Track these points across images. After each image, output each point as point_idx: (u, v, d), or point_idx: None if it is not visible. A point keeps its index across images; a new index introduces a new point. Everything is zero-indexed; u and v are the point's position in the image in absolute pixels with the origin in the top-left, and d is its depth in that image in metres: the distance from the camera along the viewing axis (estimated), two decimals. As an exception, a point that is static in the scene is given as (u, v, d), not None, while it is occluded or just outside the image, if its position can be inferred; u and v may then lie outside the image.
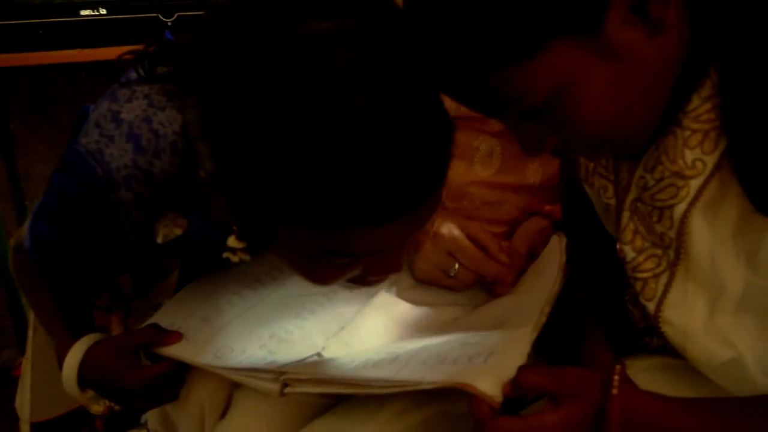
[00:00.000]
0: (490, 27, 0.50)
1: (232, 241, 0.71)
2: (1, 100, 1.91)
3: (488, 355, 0.60)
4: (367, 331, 0.77)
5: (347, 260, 0.58)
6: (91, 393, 0.80)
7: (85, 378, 0.77)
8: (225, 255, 0.72)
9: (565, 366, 0.59)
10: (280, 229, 0.57)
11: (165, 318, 0.79)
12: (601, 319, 0.73)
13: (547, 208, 0.90)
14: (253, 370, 0.68)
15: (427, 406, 0.69)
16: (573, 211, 0.80)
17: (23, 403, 0.95)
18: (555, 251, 0.78)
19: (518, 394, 0.58)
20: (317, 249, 0.56)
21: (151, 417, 0.86)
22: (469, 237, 0.84)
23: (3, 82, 1.90)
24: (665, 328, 0.63)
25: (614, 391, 0.54)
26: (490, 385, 0.56)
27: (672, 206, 0.60)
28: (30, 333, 0.98)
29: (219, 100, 0.53)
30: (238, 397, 0.75)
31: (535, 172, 0.91)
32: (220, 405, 0.77)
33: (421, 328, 0.78)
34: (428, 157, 0.53)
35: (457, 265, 0.83)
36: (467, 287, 0.84)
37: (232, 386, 0.76)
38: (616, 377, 0.55)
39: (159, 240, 0.72)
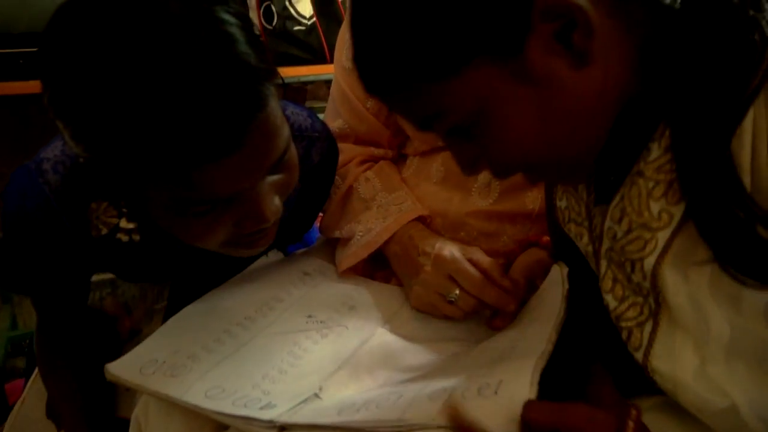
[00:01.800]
0: (411, 44, 0.52)
1: (123, 222, 0.75)
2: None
3: (497, 384, 0.58)
4: (366, 369, 0.74)
5: (205, 208, 0.64)
6: None
7: None
8: (117, 236, 0.76)
9: (576, 402, 0.55)
10: (143, 194, 0.63)
11: (150, 352, 0.74)
12: (604, 358, 0.70)
13: (545, 239, 0.88)
14: (247, 419, 0.64)
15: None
16: (561, 253, 0.79)
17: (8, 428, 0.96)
18: (556, 281, 0.76)
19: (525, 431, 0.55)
20: (175, 203, 0.63)
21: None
22: (470, 261, 0.82)
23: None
24: (655, 377, 0.61)
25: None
26: (501, 422, 0.53)
27: (641, 259, 0.58)
28: (31, 378, 0.99)
29: (58, 80, 0.58)
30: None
31: (535, 199, 0.89)
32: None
33: (422, 365, 0.75)
34: (239, 92, 0.58)
35: (457, 290, 0.80)
36: (466, 316, 0.82)
37: (218, 426, 0.71)
38: (630, 423, 0.52)
39: (94, 233, 0.76)
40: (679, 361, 0.59)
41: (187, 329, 0.79)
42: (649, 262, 0.57)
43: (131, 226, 0.75)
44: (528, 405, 0.55)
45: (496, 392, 0.57)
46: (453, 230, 0.92)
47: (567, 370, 0.69)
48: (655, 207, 0.56)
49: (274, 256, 0.97)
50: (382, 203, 0.94)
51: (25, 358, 1.98)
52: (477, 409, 0.55)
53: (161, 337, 0.78)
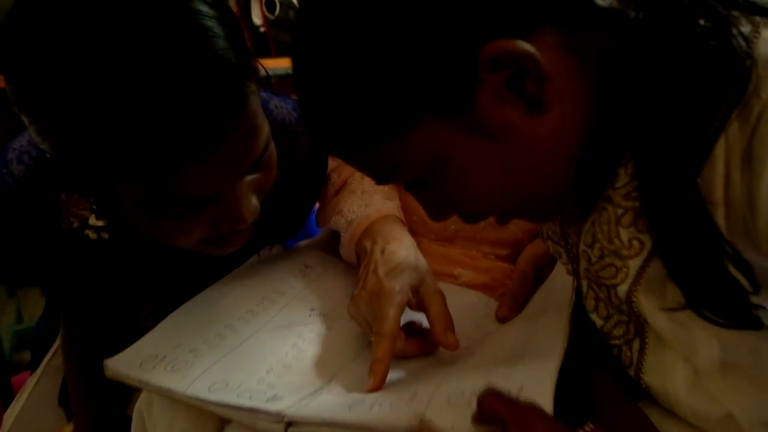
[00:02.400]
0: (355, 109, 0.50)
1: (92, 220, 0.73)
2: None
3: (519, 390, 0.56)
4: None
5: (180, 209, 0.62)
6: None
7: None
8: (86, 232, 0.73)
9: (531, 404, 0.53)
10: (115, 193, 0.61)
11: (150, 346, 0.73)
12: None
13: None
14: (253, 411, 0.62)
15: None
16: None
17: (11, 413, 0.94)
18: (564, 271, 0.74)
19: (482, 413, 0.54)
20: (148, 204, 0.61)
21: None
22: (419, 303, 0.74)
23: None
24: (651, 391, 0.60)
25: None
26: None
27: (614, 286, 0.56)
28: (49, 354, 0.98)
29: (23, 74, 0.55)
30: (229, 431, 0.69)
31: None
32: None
33: (432, 360, 0.73)
34: (218, 92, 0.55)
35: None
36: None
37: (220, 420, 0.70)
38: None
39: (64, 225, 0.74)
40: (671, 376, 0.58)
41: (188, 324, 0.77)
42: (623, 289, 0.56)
43: (100, 223, 0.73)
44: (485, 392, 0.54)
45: (518, 398, 0.55)
46: (458, 220, 0.90)
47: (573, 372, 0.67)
48: (624, 234, 0.54)
49: (275, 250, 0.95)
50: (367, 190, 0.91)
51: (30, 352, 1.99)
52: None
53: (162, 331, 0.76)
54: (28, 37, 0.54)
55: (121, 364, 0.70)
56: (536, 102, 0.48)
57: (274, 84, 0.86)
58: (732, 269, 0.47)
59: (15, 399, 0.96)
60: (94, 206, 0.72)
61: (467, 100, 0.49)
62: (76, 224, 0.74)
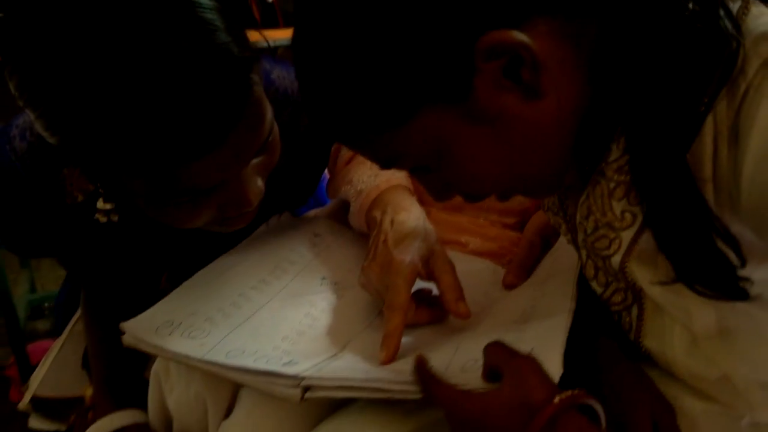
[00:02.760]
0: (355, 100, 0.52)
1: (100, 203, 0.72)
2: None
3: (529, 351, 0.57)
4: None
5: (185, 199, 0.63)
6: None
7: None
8: (96, 216, 0.73)
9: (529, 355, 0.55)
10: (121, 182, 0.62)
11: (165, 312, 0.74)
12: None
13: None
14: (271, 374, 0.64)
15: (435, 407, 0.66)
16: None
17: (37, 375, 0.97)
18: None
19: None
20: (158, 192, 0.61)
21: (151, 413, 0.83)
22: (429, 273, 0.75)
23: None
24: (651, 354, 0.62)
25: (556, 400, 0.49)
26: None
27: (608, 257, 0.58)
28: (73, 319, 1.01)
29: (28, 70, 0.56)
30: (244, 396, 0.72)
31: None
32: (223, 401, 0.73)
33: (444, 327, 0.74)
34: (222, 88, 0.56)
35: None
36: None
37: (235, 385, 0.72)
38: (567, 393, 0.50)
39: (69, 200, 0.74)
40: (669, 340, 0.59)
41: (202, 292, 0.79)
42: (616, 260, 0.57)
43: (108, 206, 0.72)
44: (490, 344, 0.56)
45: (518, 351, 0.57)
46: (466, 189, 0.91)
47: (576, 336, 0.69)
48: (617, 207, 0.56)
49: (285, 218, 0.96)
50: None
51: (45, 321, 2.02)
52: None
53: (176, 298, 0.78)
54: (31, 34, 0.54)
55: (137, 328, 0.71)
56: (532, 89, 0.50)
57: (282, 54, 0.86)
58: (720, 243, 0.49)
59: (41, 363, 0.99)
60: (100, 189, 0.72)
61: (465, 89, 0.50)
62: (81, 198, 0.75)
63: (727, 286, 0.50)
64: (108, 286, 0.94)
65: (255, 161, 0.67)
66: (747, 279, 0.50)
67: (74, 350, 0.96)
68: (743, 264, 0.49)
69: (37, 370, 0.98)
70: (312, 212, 1.02)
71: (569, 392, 0.49)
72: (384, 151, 0.56)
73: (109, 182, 0.66)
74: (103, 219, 0.72)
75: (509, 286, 0.80)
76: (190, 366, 0.69)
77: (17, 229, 0.79)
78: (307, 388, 0.62)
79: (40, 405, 0.95)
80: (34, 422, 0.95)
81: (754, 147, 0.45)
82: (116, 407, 0.83)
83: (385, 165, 0.58)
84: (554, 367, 0.54)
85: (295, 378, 0.62)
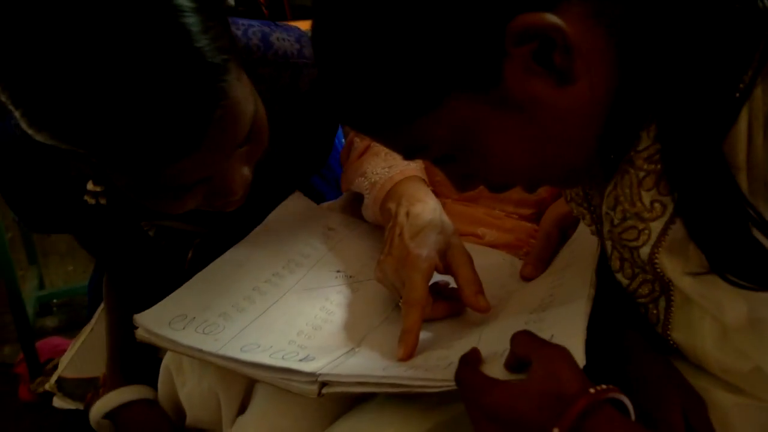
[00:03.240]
0: (381, 89, 0.50)
1: (90, 185, 0.73)
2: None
3: (549, 338, 0.56)
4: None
5: (171, 193, 0.64)
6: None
7: (113, 420, 0.83)
8: (85, 197, 0.74)
9: (559, 345, 0.53)
10: (107, 173, 0.63)
11: (177, 306, 0.73)
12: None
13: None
14: (287, 371, 0.63)
15: (455, 403, 0.65)
16: None
17: (65, 357, 1.01)
18: (587, 231, 0.74)
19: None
20: (141, 188, 0.63)
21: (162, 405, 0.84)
22: (445, 267, 0.73)
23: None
24: (679, 347, 0.61)
25: (591, 390, 0.48)
26: None
27: (637, 248, 0.56)
28: (101, 307, 1.03)
29: (7, 74, 0.55)
30: (259, 392, 0.71)
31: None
32: (237, 395, 0.72)
33: (463, 321, 0.73)
34: (195, 92, 0.56)
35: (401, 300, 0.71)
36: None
37: (249, 379, 0.71)
38: (598, 387, 0.48)
39: (74, 172, 0.75)
40: (699, 332, 0.58)
41: (215, 285, 0.78)
42: (645, 251, 0.56)
43: (98, 189, 0.73)
44: (518, 333, 0.54)
45: (551, 338, 0.56)
46: (482, 180, 0.90)
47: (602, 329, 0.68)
48: (646, 197, 0.54)
49: (297, 201, 0.95)
50: (390, 151, 0.91)
51: (54, 317, 2.02)
52: None
53: (188, 291, 0.77)
54: (12, 36, 0.54)
55: (150, 321, 0.71)
56: (564, 73, 0.48)
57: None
58: (756, 232, 0.47)
59: (71, 344, 1.02)
60: (90, 172, 0.73)
61: (495, 75, 0.49)
62: (89, 183, 0.75)
63: (762, 276, 0.48)
64: (127, 265, 0.96)
65: (240, 151, 0.67)
66: None
67: (101, 335, 0.98)
68: None
69: (68, 350, 1.01)
70: (325, 204, 1.01)
71: (602, 386, 0.48)
72: (409, 140, 0.54)
73: (97, 168, 0.67)
74: (91, 201, 0.74)
75: (527, 277, 0.79)
76: (203, 360, 0.69)
77: (28, 202, 0.82)
78: (324, 384, 0.61)
79: (64, 385, 0.97)
80: (57, 401, 0.97)
81: None
82: (126, 383, 0.85)
83: (409, 155, 0.57)
84: (576, 353, 0.53)
85: (312, 375, 0.61)
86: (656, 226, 0.54)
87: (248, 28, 0.82)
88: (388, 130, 0.54)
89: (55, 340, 1.80)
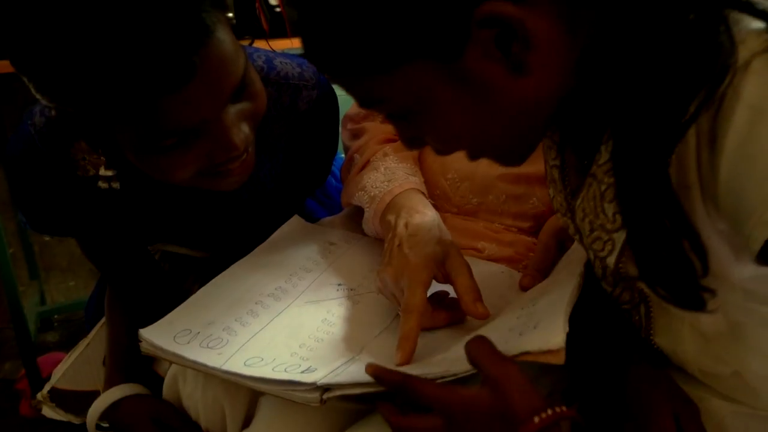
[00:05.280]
0: (352, 39, 0.53)
1: (102, 170, 0.76)
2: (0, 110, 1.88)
3: (534, 326, 0.59)
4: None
5: (172, 141, 0.66)
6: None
7: (109, 419, 0.85)
8: (99, 183, 0.77)
9: (513, 361, 0.54)
10: (114, 137, 0.66)
11: (182, 321, 0.74)
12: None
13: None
14: (289, 383, 0.64)
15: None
16: None
17: (60, 368, 1.02)
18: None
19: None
20: (143, 140, 0.66)
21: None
22: (444, 276, 0.75)
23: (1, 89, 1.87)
24: (663, 351, 0.62)
25: (536, 420, 0.49)
26: (538, 343, 0.54)
27: (604, 258, 0.59)
28: (101, 321, 1.05)
29: (15, 41, 0.60)
30: (264, 406, 0.72)
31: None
32: (241, 406, 0.73)
33: (460, 329, 0.74)
34: (181, 21, 0.60)
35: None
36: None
37: (252, 390, 0.72)
38: (549, 411, 0.49)
39: (80, 172, 0.78)
40: (680, 337, 0.60)
41: (218, 300, 0.79)
42: (611, 261, 0.58)
43: (110, 173, 0.77)
44: (471, 340, 0.55)
45: (535, 327, 0.58)
46: (481, 193, 0.91)
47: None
48: (609, 209, 0.56)
49: (296, 223, 0.96)
50: (390, 166, 0.92)
51: (55, 333, 2.02)
52: (519, 343, 0.56)
53: (192, 307, 0.78)
54: (18, 9, 0.59)
55: (155, 335, 0.71)
56: (518, 64, 0.51)
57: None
58: (688, 250, 0.50)
59: (65, 358, 1.03)
60: (102, 157, 0.76)
61: (457, 51, 0.51)
62: (92, 172, 0.78)
63: (685, 293, 0.51)
64: (130, 278, 0.98)
65: (237, 107, 0.70)
66: (710, 290, 0.51)
67: (98, 349, 1.00)
68: (705, 273, 0.50)
69: (61, 363, 1.02)
70: (326, 220, 1.02)
71: (550, 411, 0.49)
72: (369, 93, 0.57)
73: (105, 140, 0.71)
74: (104, 185, 0.77)
75: (525, 288, 0.80)
76: (208, 373, 0.69)
77: (35, 201, 0.85)
78: (326, 389, 0.62)
79: (57, 396, 0.99)
80: (47, 411, 0.98)
81: (728, 149, 0.46)
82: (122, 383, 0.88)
83: (365, 105, 0.60)
84: (556, 334, 0.54)
85: (313, 384, 0.62)
86: (619, 237, 0.56)
87: (254, 52, 0.87)
88: (350, 78, 0.57)
89: (57, 355, 1.79)
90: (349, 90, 0.58)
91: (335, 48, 0.54)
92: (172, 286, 1.02)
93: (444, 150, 0.61)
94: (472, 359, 0.54)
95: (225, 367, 0.67)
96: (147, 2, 0.58)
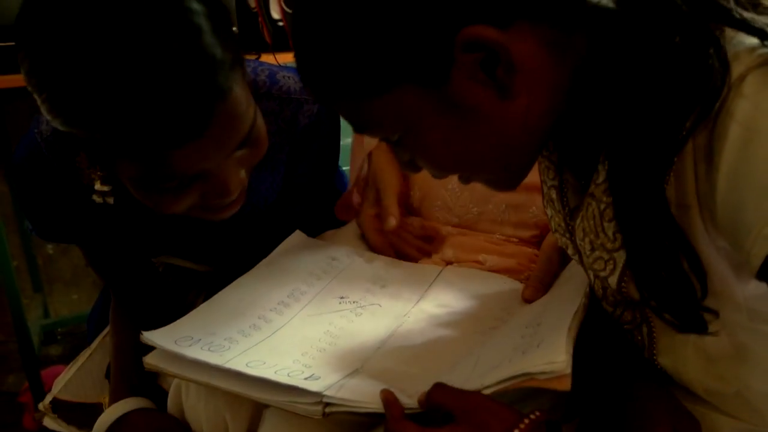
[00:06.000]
0: (342, 65, 0.54)
1: (98, 185, 0.77)
2: (4, 123, 1.89)
3: (539, 343, 0.58)
4: (407, 348, 0.74)
5: (173, 184, 0.68)
6: None
7: None
8: (93, 197, 0.78)
9: (476, 392, 0.57)
10: (115, 164, 0.68)
11: (184, 330, 0.74)
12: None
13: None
14: (292, 389, 0.64)
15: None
16: None
17: (62, 379, 1.02)
18: None
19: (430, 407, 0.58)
20: (142, 178, 0.68)
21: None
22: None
23: (4, 105, 1.88)
24: (666, 371, 0.62)
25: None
26: (541, 362, 0.54)
27: (606, 278, 0.59)
28: (103, 332, 1.06)
29: (33, 61, 0.62)
30: (268, 418, 0.71)
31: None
32: (244, 422, 0.73)
33: (463, 345, 0.74)
34: (200, 83, 0.61)
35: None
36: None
37: (255, 404, 0.72)
38: (526, 421, 0.52)
39: (85, 181, 0.78)
40: (683, 357, 0.59)
41: (221, 314, 0.79)
42: (613, 280, 0.58)
43: (106, 188, 0.78)
44: (434, 386, 0.58)
45: (538, 347, 0.58)
46: (481, 203, 0.92)
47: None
48: (609, 228, 0.56)
49: (298, 238, 0.97)
50: None
51: (58, 346, 2.02)
52: (523, 363, 0.56)
53: (194, 318, 0.78)
54: (42, 27, 0.61)
55: (157, 338, 0.71)
56: (504, 88, 0.51)
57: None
58: (688, 270, 0.50)
59: (67, 368, 1.03)
60: (99, 172, 0.77)
61: (443, 76, 0.52)
62: (96, 182, 0.79)
63: (687, 315, 0.51)
64: (134, 288, 0.99)
65: (238, 153, 0.71)
66: (712, 311, 0.51)
67: (100, 361, 1.00)
68: (704, 295, 0.50)
69: (62, 374, 1.02)
70: (328, 234, 1.03)
71: (527, 421, 0.51)
72: (360, 117, 0.58)
73: (105, 164, 0.73)
74: (98, 200, 0.78)
75: (528, 300, 0.80)
76: (209, 385, 0.69)
77: (41, 207, 0.87)
78: (327, 404, 0.62)
79: (59, 407, 0.98)
80: (48, 422, 0.98)
81: (724, 165, 0.46)
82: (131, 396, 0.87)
83: (358, 130, 0.60)
84: (559, 353, 0.54)
85: (317, 395, 0.62)
86: (620, 256, 0.56)
87: (257, 66, 0.89)
88: (341, 102, 0.58)
89: (60, 368, 1.78)
90: (343, 114, 0.60)
91: (326, 73, 0.56)
92: (175, 299, 1.02)
93: (438, 174, 0.62)
94: (437, 403, 0.56)
95: (227, 365, 0.67)
96: (171, 62, 0.59)
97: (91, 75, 0.59)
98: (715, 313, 0.51)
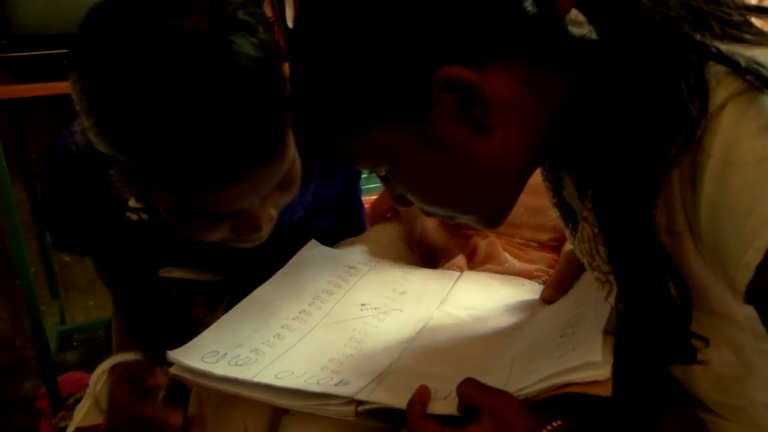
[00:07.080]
0: (327, 100, 0.55)
1: (132, 202, 0.78)
2: (23, 131, 1.91)
3: (575, 347, 0.59)
4: (432, 350, 0.74)
5: (206, 218, 0.69)
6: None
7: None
8: (127, 214, 0.79)
9: (505, 392, 0.57)
10: (153, 191, 0.68)
11: (209, 344, 0.75)
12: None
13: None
14: (324, 396, 0.64)
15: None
16: None
17: (83, 406, 0.94)
18: None
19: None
20: (177, 208, 0.68)
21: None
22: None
23: (24, 112, 1.90)
24: (678, 380, 0.62)
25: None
26: (577, 362, 0.54)
27: (606, 297, 0.59)
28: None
29: (88, 85, 0.61)
30: (288, 424, 0.71)
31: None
32: (263, 428, 0.73)
33: (495, 349, 0.74)
34: (252, 135, 0.62)
35: None
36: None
37: (275, 409, 0.72)
38: (548, 427, 0.54)
39: (115, 194, 0.79)
40: (692, 373, 0.59)
41: (244, 325, 0.79)
42: (611, 300, 0.58)
43: (140, 205, 0.78)
44: (464, 381, 0.58)
45: (574, 349, 0.59)
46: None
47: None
48: (602, 251, 0.56)
49: (314, 247, 0.97)
50: None
51: (74, 352, 2.03)
52: (561, 373, 0.56)
53: (218, 331, 0.78)
54: (100, 54, 0.60)
55: (183, 356, 0.71)
56: (481, 125, 0.52)
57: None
58: (675, 297, 0.50)
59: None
60: (133, 189, 0.77)
61: (422, 113, 0.52)
62: (126, 195, 0.79)
63: (675, 342, 0.51)
64: (138, 301, 0.98)
65: (273, 193, 0.71)
66: (702, 338, 0.51)
67: None
68: (689, 321, 0.50)
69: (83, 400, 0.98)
70: (346, 242, 1.03)
71: (549, 427, 0.52)
72: (343, 151, 0.58)
73: (140, 184, 0.73)
74: (134, 217, 0.79)
75: (547, 300, 0.80)
76: (237, 394, 0.69)
77: (65, 219, 0.86)
78: (360, 402, 0.63)
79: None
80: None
81: (704, 195, 0.46)
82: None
83: (346, 162, 0.61)
84: (595, 352, 0.54)
85: (349, 398, 0.63)
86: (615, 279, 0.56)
87: None
88: (327, 138, 0.58)
89: (76, 375, 1.81)
90: (330, 149, 0.60)
91: (313, 109, 0.57)
92: (180, 313, 1.01)
93: (426, 210, 0.62)
94: (467, 399, 0.57)
95: (257, 379, 0.67)
96: (224, 108, 0.59)
97: (144, 109, 0.59)
98: (706, 341, 0.51)
